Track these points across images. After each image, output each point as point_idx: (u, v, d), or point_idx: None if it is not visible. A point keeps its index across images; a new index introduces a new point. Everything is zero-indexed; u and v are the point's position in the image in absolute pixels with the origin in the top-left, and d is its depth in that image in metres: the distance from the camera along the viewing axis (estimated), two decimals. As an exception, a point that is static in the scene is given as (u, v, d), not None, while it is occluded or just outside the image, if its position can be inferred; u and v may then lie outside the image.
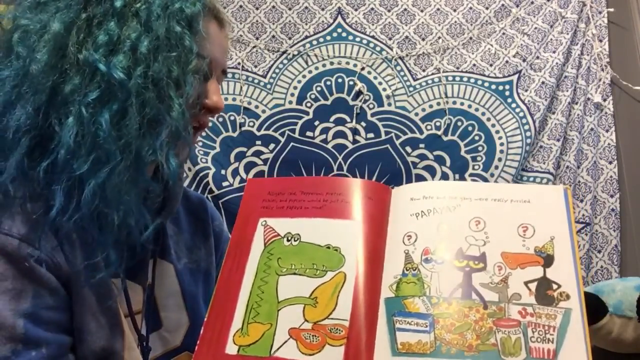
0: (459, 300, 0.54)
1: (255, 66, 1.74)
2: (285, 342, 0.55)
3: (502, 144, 1.71)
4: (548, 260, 0.56)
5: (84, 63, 0.55)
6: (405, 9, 1.80)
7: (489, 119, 1.74)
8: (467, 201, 0.60)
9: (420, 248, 0.58)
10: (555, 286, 0.54)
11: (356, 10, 1.79)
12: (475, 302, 0.54)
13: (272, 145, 1.70)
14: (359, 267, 0.58)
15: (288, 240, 0.61)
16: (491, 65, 1.77)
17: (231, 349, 0.55)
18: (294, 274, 0.59)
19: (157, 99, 0.56)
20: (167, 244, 0.73)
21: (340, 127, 1.72)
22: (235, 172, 1.67)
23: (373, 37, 1.78)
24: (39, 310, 0.54)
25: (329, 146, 1.71)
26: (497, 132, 1.73)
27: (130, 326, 0.63)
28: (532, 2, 1.80)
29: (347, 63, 1.76)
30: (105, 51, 0.55)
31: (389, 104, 1.74)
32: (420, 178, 1.69)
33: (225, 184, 1.65)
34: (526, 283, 0.55)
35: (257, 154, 1.69)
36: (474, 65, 1.77)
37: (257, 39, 1.75)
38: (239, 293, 0.58)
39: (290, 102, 1.72)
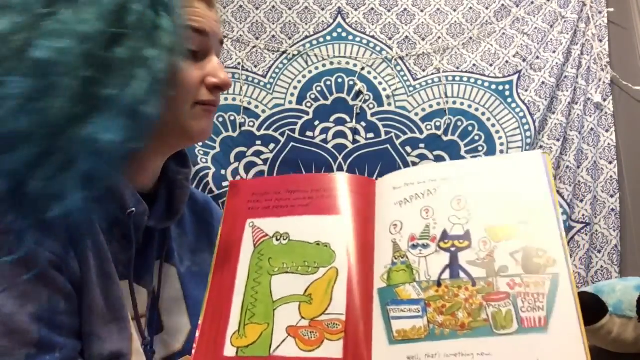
0: (448, 281, 0.55)
1: (255, 66, 1.74)
2: (284, 340, 0.55)
3: (502, 144, 1.71)
4: (531, 229, 0.56)
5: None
6: (405, 9, 1.80)
7: (489, 119, 1.73)
8: (447, 181, 0.61)
9: (407, 235, 0.59)
10: (541, 253, 0.54)
11: (356, 10, 1.79)
12: (464, 281, 0.54)
13: (272, 145, 1.69)
14: (350, 261, 0.58)
15: (277, 240, 0.62)
16: (491, 65, 1.77)
17: (229, 351, 0.56)
18: (287, 272, 0.60)
19: (97, 79, 0.51)
20: (170, 247, 0.72)
21: (340, 127, 1.72)
22: (235, 172, 1.67)
23: (373, 37, 1.78)
24: (53, 314, 0.54)
25: (329, 146, 1.71)
26: (497, 132, 1.73)
27: (136, 329, 0.62)
28: (532, 2, 1.80)
29: (347, 63, 1.76)
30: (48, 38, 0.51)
31: (389, 104, 1.74)
32: (420, 178, 1.69)
33: (225, 184, 1.64)
34: (512, 254, 0.54)
35: (257, 154, 1.69)
36: (474, 65, 1.77)
37: (257, 39, 1.75)
38: (232, 295, 0.59)
39: (290, 102, 1.72)
